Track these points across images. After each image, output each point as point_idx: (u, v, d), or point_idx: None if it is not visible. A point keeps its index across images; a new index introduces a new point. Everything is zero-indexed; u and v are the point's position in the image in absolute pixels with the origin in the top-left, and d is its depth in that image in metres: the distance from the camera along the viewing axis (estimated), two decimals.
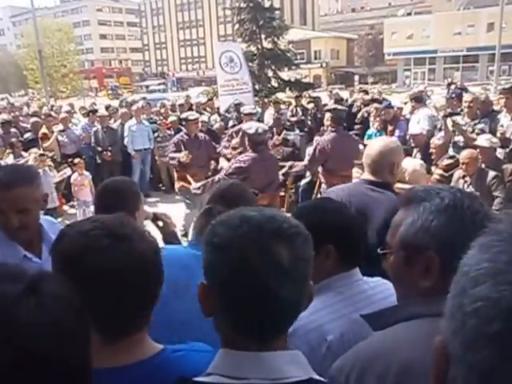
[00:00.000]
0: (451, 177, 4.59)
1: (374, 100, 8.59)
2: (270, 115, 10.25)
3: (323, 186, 5.22)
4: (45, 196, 1.94)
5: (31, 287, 0.66)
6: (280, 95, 15.03)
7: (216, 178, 4.49)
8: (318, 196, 5.52)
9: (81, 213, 6.83)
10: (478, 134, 5.15)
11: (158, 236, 2.07)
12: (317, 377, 0.88)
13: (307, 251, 0.87)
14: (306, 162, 5.29)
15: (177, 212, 5.60)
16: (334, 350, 1.34)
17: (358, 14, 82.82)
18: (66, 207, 7.79)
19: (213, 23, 73.06)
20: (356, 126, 8.18)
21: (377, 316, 1.09)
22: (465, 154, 4.44)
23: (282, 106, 11.24)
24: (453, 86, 10.10)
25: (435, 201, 1.04)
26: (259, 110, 10.70)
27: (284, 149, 6.96)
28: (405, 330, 0.99)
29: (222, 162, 7.28)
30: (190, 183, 5.42)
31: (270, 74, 15.70)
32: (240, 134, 5.45)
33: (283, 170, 5.66)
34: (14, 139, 7.26)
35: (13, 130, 8.29)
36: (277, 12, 17.01)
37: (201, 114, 9.50)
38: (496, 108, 6.12)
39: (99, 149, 8.14)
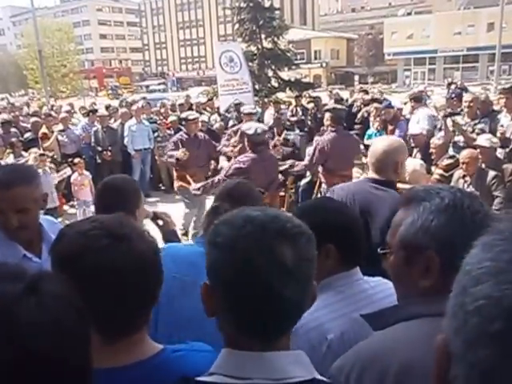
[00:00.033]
0: (451, 177, 4.59)
1: (374, 100, 8.60)
2: (270, 115, 10.25)
3: (323, 185, 5.22)
4: (44, 196, 1.94)
5: (31, 287, 0.66)
6: (280, 95, 15.04)
7: (216, 179, 4.48)
8: (318, 196, 5.51)
9: (81, 213, 6.83)
10: (478, 134, 5.15)
11: (157, 235, 2.07)
12: (320, 377, 0.88)
13: (310, 251, 0.87)
14: (306, 161, 5.28)
15: (177, 212, 5.60)
16: (334, 348, 1.34)
17: (358, 13, 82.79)
18: (66, 207, 7.80)
19: (213, 23, 73.06)
20: (356, 126, 8.19)
21: (377, 316, 1.09)
22: (465, 154, 4.44)
23: (282, 106, 11.24)
24: (453, 86, 10.11)
25: (435, 200, 1.04)
26: (259, 109, 10.70)
27: (284, 149, 6.95)
28: (405, 330, 0.99)
29: (222, 162, 7.28)
30: (189, 183, 5.42)
31: (270, 73, 15.70)
32: (239, 133, 5.44)
33: (283, 167, 5.67)
34: (14, 139, 7.26)
35: (13, 129, 8.29)
36: (277, 12, 17.01)
37: (201, 113, 9.51)
38: (496, 108, 6.12)
39: (99, 149, 8.15)
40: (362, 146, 5.79)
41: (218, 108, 10.66)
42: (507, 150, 5.10)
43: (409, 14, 60.74)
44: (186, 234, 5.85)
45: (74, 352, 0.67)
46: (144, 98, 13.74)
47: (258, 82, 14.56)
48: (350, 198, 2.37)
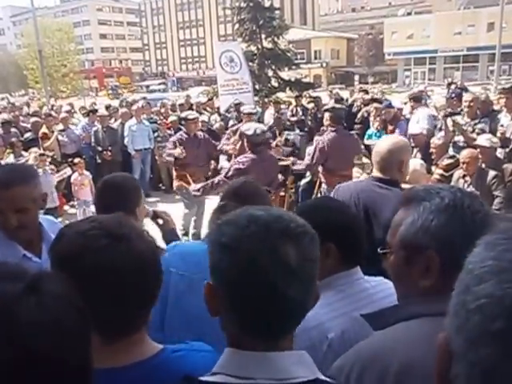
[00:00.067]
0: (451, 177, 4.58)
1: (374, 100, 8.59)
2: (270, 115, 10.26)
3: (323, 185, 5.22)
4: (44, 195, 1.93)
5: (32, 286, 0.66)
6: (280, 95, 15.03)
7: (216, 180, 4.48)
8: (318, 196, 5.51)
9: (81, 212, 6.83)
10: (478, 134, 5.15)
11: (157, 234, 2.07)
12: (323, 377, 0.88)
13: (314, 251, 0.87)
14: (306, 161, 5.28)
15: (177, 211, 5.60)
16: (334, 347, 1.35)
17: (358, 13, 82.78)
18: (66, 207, 7.80)
19: (213, 23, 73.06)
20: (356, 126, 8.19)
21: (377, 316, 1.09)
22: (465, 154, 4.44)
23: (282, 106, 11.24)
24: (453, 86, 10.09)
25: (435, 200, 1.04)
26: (259, 109, 10.70)
27: (284, 149, 6.95)
28: (405, 330, 0.99)
29: (222, 162, 7.29)
30: (189, 183, 5.42)
31: (270, 73, 15.69)
32: (238, 133, 5.44)
33: (285, 163, 5.69)
34: (14, 139, 7.27)
35: (13, 129, 8.30)
36: (277, 12, 17.00)
37: (201, 113, 9.51)
38: (496, 108, 6.12)
39: (99, 148, 8.15)
40: (361, 146, 5.80)
41: (218, 108, 10.66)
42: (507, 149, 5.10)
43: (409, 13, 60.74)
44: (186, 234, 5.85)
45: (75, 352, 0.66)
46: (144, 98, 13.75)
47: (258, 82, 14.56)
48: (354, 197, 2.39)
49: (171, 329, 1.61)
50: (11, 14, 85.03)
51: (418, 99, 7.40)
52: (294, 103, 11.30)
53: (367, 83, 38.00)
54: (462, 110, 5.86)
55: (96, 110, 9.79)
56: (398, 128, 6.97)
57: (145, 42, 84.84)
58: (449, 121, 5.57)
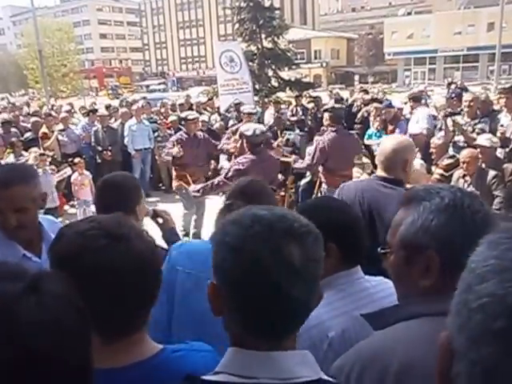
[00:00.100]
0: (451, 176, 4.59)
1: (374, 99, 8.60)
2: (270, 115, 10.26)
3: (323, 185, 5.22)
4: (43, 195, 1.93)
5: (32, 286, 0.66)
6: (280, 95, 15.02)
7: (215, 181, 4.48)
8: (319, 196, 5.51)
9: (81, 212, 6.83)
10: (478, 134, 5.15)
11: (157, 233, 2.07)
12: (326, 377, 0.88)
13: (318, 250, 0.87)
14: (306, 161, 5.28)
15: (177, 211, 5.59)
16: (335, 346, 1.35)
17: (359, 13, 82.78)
18: (66, 207, 7.80)
19: (213, 23, 73.06)
20: (356, 126, 8.18)
21: (377, 315, 1.09)
22: (465, 154, 4.44)
23: (282, 106, 11.24)
24: (453, 86, 10.09)
25: (435, 200, 1.04)
26: (259, 109, 10.69)
27: (284, 148, 6.95)
28: (405, 330, 0.99)
29: (222, 161, 7.29)
30: (188, 183, 5.42)
31: (270, 73, 15.69)
32: (238, 133, 5.44)
33: (287, 159, 5.70)
34: (14, 139, 7.27)
35: (13, 129, 8.31)
36: (277, 11, 16.98)
37: (201, 113, 9.51)
38: (496, 108, 6.12)
39: (99, 148, 8.15)
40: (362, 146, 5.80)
41: (218, 108, 10.65)
42: (507, 149, 5.10)
43: (409, 13, 60.75)
44: (187, 234, 5.84)
45: (75, 352, 0.66)
46: (144, 98, 13.75)
47: (258, 82, 14.55)
48: (358, 196, 2.40)
49: (179, 327, 1.63)
50: (11, 13, 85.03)
51: (417, 99, 7.40)
52: (294, 103, 11.29)
53: (367, 83, 37.96)
54: (461, 110, 5.86)
55: (96, 110, 9.79)
56: (398, 128, 6.97)
57: (145, 42, 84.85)
58: (449, 121, 5.58)
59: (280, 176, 5.29)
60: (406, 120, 7.30)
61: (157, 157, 8.56)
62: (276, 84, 15.70)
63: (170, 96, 20.03)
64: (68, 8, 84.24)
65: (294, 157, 5.75)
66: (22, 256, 1.84)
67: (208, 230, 5.49)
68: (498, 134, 5.17)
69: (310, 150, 5.69)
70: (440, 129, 6.09)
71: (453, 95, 7.30)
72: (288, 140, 7.51)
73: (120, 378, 0.96)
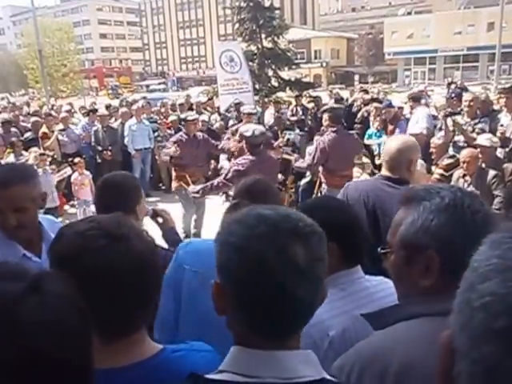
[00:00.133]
0: (451, 176, 4.59)
1: (374, 99, 8.60)
2: (270, 114, 10.27)
3: (323, 185, 5.22)
4: (43, 195, 1.93)
5: (33, 286, 0.66)
6: (280, 95, 15.01)
7: (215, 182, 4.48)
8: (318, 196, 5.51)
9: (81, 212, 6.84)
10: (478, 134, 5.15)
11: (157, 233, 2.07)
12: (329, 377, 0.88)
13: (322, 250, 0.87)
14: (307, 161, 5.28)
15: (177, 211, 5.59)
16: (335, 345, 1.36)
17: (359, 13, 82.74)
18: (66, 207, 7.80)
19: (213, 22, 73.06)
20: (356, 126, 8.19)
21: (377, 315, 1.09)
22: (465, 153, 4.44)
23: (282, 106, 11.23)
24: (453, 86, 10.10)
25: (435, 200, 1.04)
26: (259, 109, 10.69)
27: (284, 148, 6.96)
28: (405, 330, 0.99)
29: (222, 161, 7.29)
30: (188, 183, 5.42)
31: (270, 73, 15.67)
32: (238, 133, 5.45)
33: (289, 157, 5.70)
34: (14, 138, 7.27)
35: (13, 129, 8.30)
36: (277, 11, 16.95)
37: (201, 113, 9.52)
38: (496, 107, 6.12)
39: (99, 148, 8.15)
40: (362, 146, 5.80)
41: (218, 107, 10.65)
42: (507, 149, 5.10)
43: (409, 13, 60.73)
44: (187, 236, 5.82)
45: (76, 352, 0.66)
46: (144, 98, 13.75)
47: (258, 82, 14.53)
48: (363, 196, 2.41)
49: (186, 325, 1.64)
50: (11, 13, 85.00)
51: (416, 99, 7.41)
52: (294, 103, 11.30)
53: (367, 83, 37.96)
54: (461, 110, 5.86)
55: (96, 110, 9.79)
56: (398, 128, 6.97)
57: (145, 42, 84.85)
58: (449, 121, 5.58)
59: (280, 176, 5.29)
60: (406, 120, 7.29)
61: (157, 157, 8.57)
62: (276, 84, 15.68)
63: (170, 96, 20.02)
64: (68, 8, 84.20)
65: (295, 156, 5.76)
66: (21, 256, 1.84)
67: (208, 230, 5.49)
68: (498, 134, 5.17)
69: (310, 149, 5.69)
70: (440, 129, 6.09)
71: (453, 95, 7.30)
72: (288, 140, 7.51)
73: (119, 378, 0.96)
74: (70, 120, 9.18)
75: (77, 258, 0.96)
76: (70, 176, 7.05)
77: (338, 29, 69.10)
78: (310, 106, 10.05)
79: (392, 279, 1.18)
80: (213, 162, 7.36)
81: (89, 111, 9.89)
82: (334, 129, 5.02)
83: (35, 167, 4.84)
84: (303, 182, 6.54)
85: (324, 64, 55.71)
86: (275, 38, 15.62)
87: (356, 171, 5.31)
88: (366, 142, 7.19)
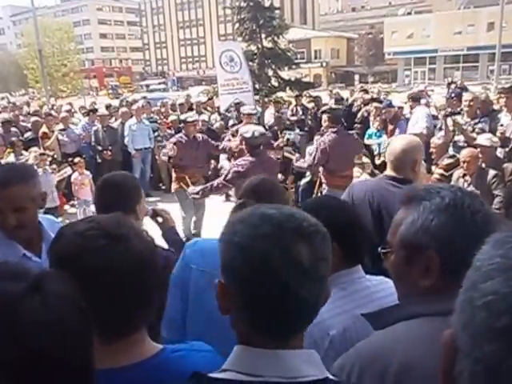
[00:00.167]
0: (451, 176, 4.59)
1: (374, 99, 8.60)
2: (270, 114, 10.27)
3: (323, 185, 5.22)
4: (43, 195, 1.93)
5: (35, 286, 0.66)
6: (280, 94, 15.02)
7: (215, 183, 4.48)
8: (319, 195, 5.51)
9: (81, 212, 6.84)
10: (478, 134, 5.15)
11: (157, 232, 2.08)
12: (332, 376, 0.88)
13: (326, 250, 0.87)
14: (307, 161, 5.28)
15: (177, 211, 5.59)
16: (336, 345, 1.36)
17: (359, 13, 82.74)
18: (66, 206, 7.80)
19: (213, 22, 73.05)
20: (356, 126, 8.19)
21: (377, 315, 1.09)
22: (465, 153, 4.44)
23: (283, 106, 11.23)
24: (453, 86, 10.10)
25: (435, 200, 1.03)
26: (259, 109, 10.69)
27: (284, 148, 6.96)
28: (405, 330, 0.99)
29: (223, 161, 7.29)
30: (187, 184, 5.41)
31: (270, 73, 15.67)
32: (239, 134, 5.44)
33: (290, 156, 5.68)
34: (14, 138, 7.27)
35: (13, 129, 8.31)
36: (277, 11, 16.95)
37: (201, 113, 9.52)
38: (496, 107, 6.12)
39: (99, 148, 8.15)
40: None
41: (218, 107, 10.65)
42: (507, 149, 5.10)
43: (409, 13, 60.71)
44: (188, 240, 5.78)
45: (77, 352, 0.67)
46: (144, 98, 13.75)
47: (258, 82, 14.53)
48: (368, 195, 2.42)
49: (193, 325, 1.64)
50: (11, 13, 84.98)
51: (416, 99, 7.41)
52: (294, 103, 11.30)
53: (367, 83, 37.94)
54: (461, 110, 5.86)
55: (96, 110, 9.79)
56: (398, 128, 6.97)
57: (145, 42, 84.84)
58: (449, 120, 5.58)
59: (280, 176, 5.29)
60: (406, 120, 7.30)
61: (157, 156, 8.57)
62: (276, 84, 15.68)
63: (170, 96, 20.04)
64: (68, 8, 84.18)
65: (296, 155, 5.75)
66: (21, 256, 1.84)
67: (208, 230, 5.49)
68: (498, 134, 5.17)
69: (310, 149, 5.69)
70: (440, 128, 6.09)
71: (453, 95, 7.30)
72: (288, 140, 7.51)
73: (119, 378, 0.96)
74: (70, 120, 9.18)
75: (76, 258, 0.96)
76: (70, 176, 7.05)
77: (338, 29, 69.09)
78: (310, 105, 10.05)
79: (392, 279, 1.18)
80: (213, 161, 7.36)
81: (89, 111, 9.89)
82: (335, 129, 5.02)
83: (35, 167, 4.84)
84: (303, 181, 6.54)
85: (324, 64, 55.69)
86: (275, 38, 15.61)
87: (356, 171, 5.31)
88: (366, 141, 7.19)
